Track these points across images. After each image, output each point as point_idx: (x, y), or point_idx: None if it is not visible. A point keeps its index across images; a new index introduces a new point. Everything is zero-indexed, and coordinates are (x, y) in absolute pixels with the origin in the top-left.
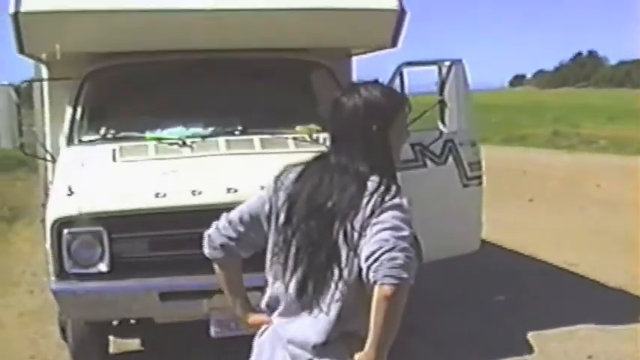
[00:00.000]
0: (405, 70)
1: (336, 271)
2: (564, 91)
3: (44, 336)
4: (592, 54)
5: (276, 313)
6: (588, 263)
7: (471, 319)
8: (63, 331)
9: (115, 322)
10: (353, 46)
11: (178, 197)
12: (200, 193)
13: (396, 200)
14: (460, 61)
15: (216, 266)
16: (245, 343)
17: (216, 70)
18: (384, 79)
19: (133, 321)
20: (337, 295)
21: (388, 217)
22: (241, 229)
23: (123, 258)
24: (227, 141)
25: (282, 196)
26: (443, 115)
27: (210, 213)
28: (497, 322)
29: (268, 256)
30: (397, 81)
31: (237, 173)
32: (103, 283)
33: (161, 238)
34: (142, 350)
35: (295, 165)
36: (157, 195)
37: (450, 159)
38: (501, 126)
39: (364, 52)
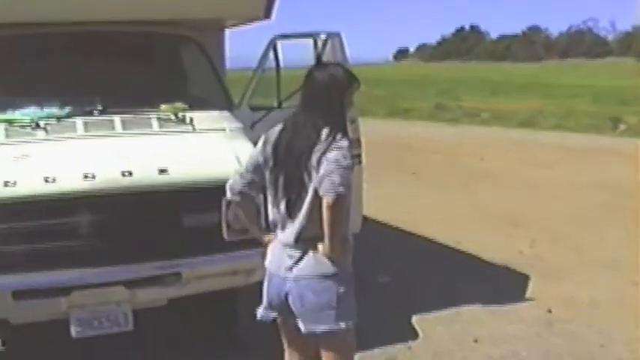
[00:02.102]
0: (280, 43)
1: (303, 194)
2: (448, 65)
3: None
4: (474, 28)
5: (277, 229)
6: (473, 240)
7: None
8: None
9: None
10: (224, 17)
11: (30, 185)
12: (54, 180)
13: (340, 143)
14: (338, 34)
15: (238, 208)
16: (108, 341)
17: (76, 46)
18: (258, 53)
19: None
20: (304, 210)
21: (332, 155)
22: (249, 176)
23: None
24: (85, 122)
25: (269, 148)
26: None
27: (66, 202)
28: (381, 306)
29: (268, 191)
30: (271, 54)
31: (95, 157)
32: None
33: (13, 231)
34: (2, 351)
35: (279, 124)
36: (6, 183)
37: None
38: (386, 100)
39: (237, 25)
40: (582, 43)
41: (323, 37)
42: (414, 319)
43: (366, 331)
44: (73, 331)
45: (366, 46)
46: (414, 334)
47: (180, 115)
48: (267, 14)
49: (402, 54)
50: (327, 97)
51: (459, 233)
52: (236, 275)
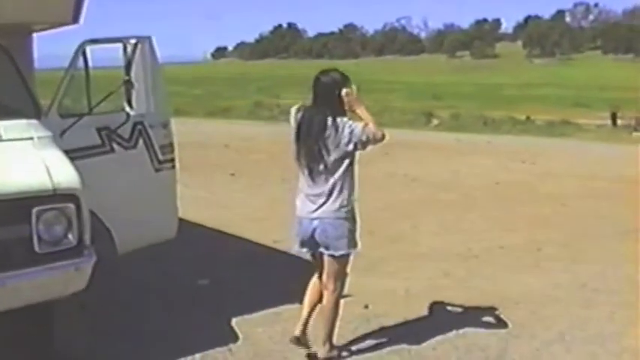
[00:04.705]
0: (89, 48)
1: (321, 163)
2: (266, 63)
3: None
4: (291, 26)
5: (305, 186)
6: (290, 239)
7: (173, 308)
8: None
9: None
10: (31, 22)
11: None
12: None
13: (342, 121)
14: (148, 37)
15: None
16: None
17: None
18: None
19: None
20: (324, 175)
21: (346, 128)
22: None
23: None
24: None
25: (295, 125)
26: (130, 96)
27: None
28: (200, 309)
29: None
30: (81, 59)
31: None
32: None
33: None
34: None
35: (301, 106)
36: None
37: (140, 143)
38: (205, 99)
39: (45, 29)
40: (397, 41)
41: (133, 41)
42: (234, 321)
43: (184, 336)
44: None
45: (183, 46)
46: (234, 337)
47: None
48: (76, 19)
49: (220, 52)
50: (331, 94)
51: (276, 232)
52: (51, 288)
